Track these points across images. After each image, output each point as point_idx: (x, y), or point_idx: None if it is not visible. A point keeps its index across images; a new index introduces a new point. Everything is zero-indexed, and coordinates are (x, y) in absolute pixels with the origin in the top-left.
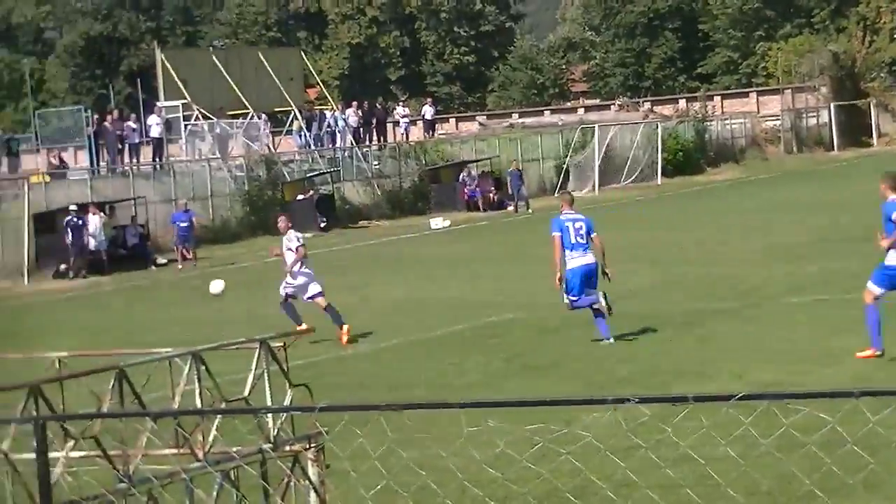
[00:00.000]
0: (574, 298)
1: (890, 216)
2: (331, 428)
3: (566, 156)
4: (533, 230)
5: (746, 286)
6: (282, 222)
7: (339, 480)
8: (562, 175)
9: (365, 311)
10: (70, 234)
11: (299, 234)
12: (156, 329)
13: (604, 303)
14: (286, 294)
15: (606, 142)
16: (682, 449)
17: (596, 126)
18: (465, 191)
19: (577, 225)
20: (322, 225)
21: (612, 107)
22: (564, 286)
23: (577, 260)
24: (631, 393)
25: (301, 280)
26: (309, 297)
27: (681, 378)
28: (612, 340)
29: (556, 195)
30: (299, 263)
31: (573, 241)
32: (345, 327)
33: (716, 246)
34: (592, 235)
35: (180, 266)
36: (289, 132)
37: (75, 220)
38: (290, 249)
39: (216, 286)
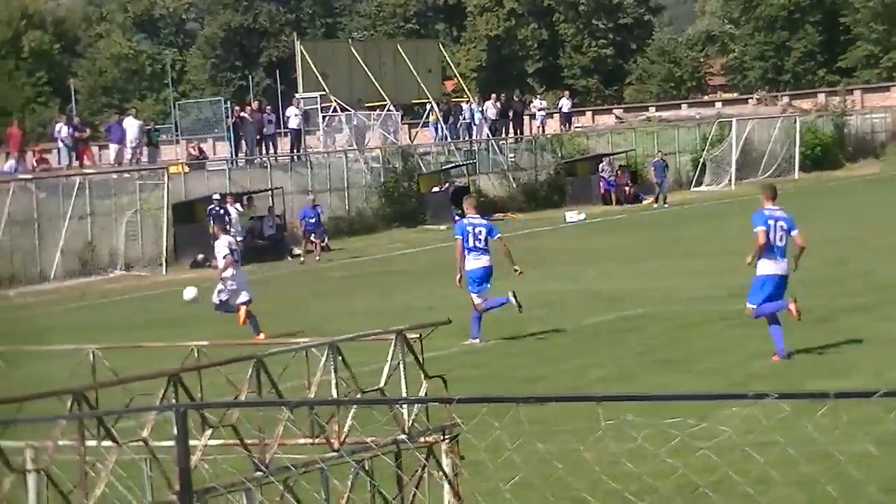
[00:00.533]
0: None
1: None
2: (466, 420)
3: (703, 150)
4: (669, 224)
5: (882, 282)
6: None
7: (474, 472)
8: (698, 169)
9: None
10: (212, 222)
11: (229, 241)
12: (292, 319)
13: (513, 301)
14: (219, 300)
15: (744, 136)
16: (820, 445)
17: (734, 120)
18: (602, 184)
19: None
20: (457, 217)
21: (750, 100)
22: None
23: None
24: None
25: (232, 286)
26: (239, 303)
27: (816, 374)
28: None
29: (695, 187)
30: (229, 271)
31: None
32: (261, 335)
33: (851, 241)
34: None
35: (302, 259)
36: (425, 124)
37: (218, 209)
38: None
39: (189, 293)
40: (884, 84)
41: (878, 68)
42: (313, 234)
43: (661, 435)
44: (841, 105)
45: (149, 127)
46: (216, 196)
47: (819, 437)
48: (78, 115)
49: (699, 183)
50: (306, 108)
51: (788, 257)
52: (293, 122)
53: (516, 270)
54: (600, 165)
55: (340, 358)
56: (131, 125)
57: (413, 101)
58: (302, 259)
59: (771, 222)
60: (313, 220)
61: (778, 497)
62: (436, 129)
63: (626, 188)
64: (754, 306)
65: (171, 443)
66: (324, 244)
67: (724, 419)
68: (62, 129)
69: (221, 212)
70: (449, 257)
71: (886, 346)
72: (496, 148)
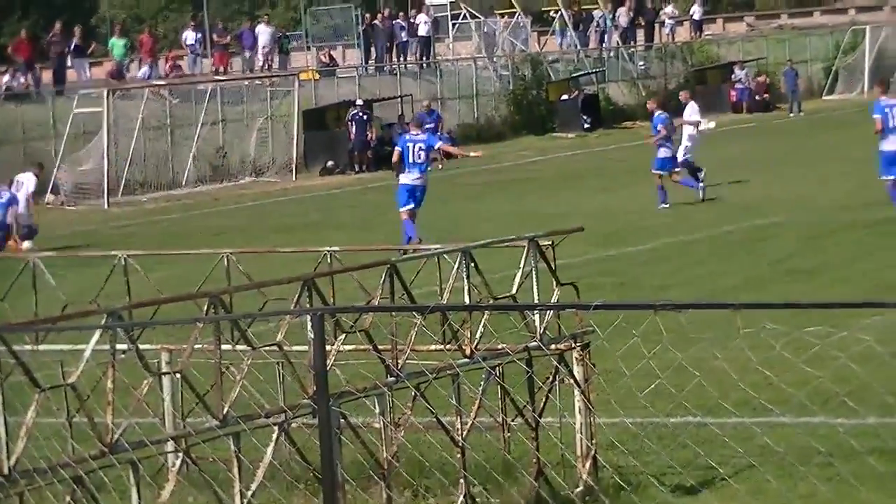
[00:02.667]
0: None
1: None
2: (599, 327)
3: (835, 58)
4: (803, 133)
5: None
6: None
7: (605, 380)
8: (830, 77)
9: (630, 211)
10: (354, 127)
11: None
12: (423, 225)
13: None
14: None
15: (878, 44)
16: None
17: (867, 28)
18: (734, 92)
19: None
20: (586, 125)
21: (885, 8)
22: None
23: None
24: None
25: None
26: None
27: None
28: None
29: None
30: None
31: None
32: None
33: None
34: None
35: (440, 166)
36: (554, 32)
37: (360, 114)
38: None
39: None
40: None
41: None
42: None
43: (795, 344)
44: None
45: (280, 34)
46: (359, 102)
47: None
48: (214, 22)
49: (832, 91)
50: (436, 14)
51: None
52: (423, 30)
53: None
54: (734, 73)
55: (473, 264)
56: (263, 32)
57: (543, 9)
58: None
59: (887, 110)
60: (430, 126)
61: None
62: (562, 35)
63: (759, 96)
64: (891, 178)
65: (305, 347)
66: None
67: (861, 329)
68: (189, 37)
69: (364, 117)
70: (576, 165)
71: None
72: (626, 56)
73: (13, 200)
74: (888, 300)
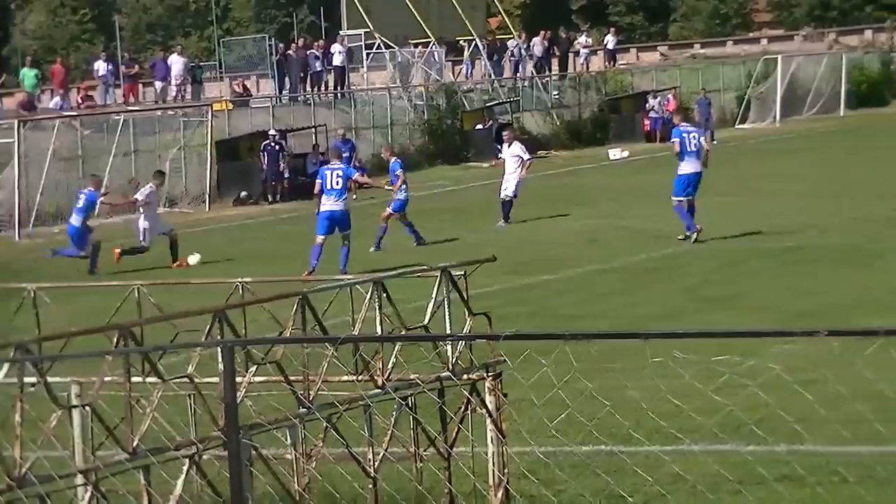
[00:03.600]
0: None
1: None
2: (510, 357)
3: (748, 87)
4: (716, 161)
5: None
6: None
7: (517, 409)
8: (742, 106)
9: (539, 241)
10: (266, 158)
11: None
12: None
13: None
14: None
15: (789, 73)
16: (868, 383)
17: (779, 57)
18: (647, 121)
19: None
20: (500, 155)
21: (796, 37)
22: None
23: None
24: (814, 326)
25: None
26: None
27: (864, 313)
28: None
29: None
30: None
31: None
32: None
33: None
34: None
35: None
36: (464, 61)
37: (273, 144)
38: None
39: (193, 259)
40: None
41: None
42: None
43: (706, 373)
44: (888, 41)
45: (193, 64)
46: (272, 132)
47: (868, 374)
48: (126, 52)
49: (744, 120)
50: (350, 45)
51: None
52: (337, 60)
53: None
54: (648, 102)
55: (385, 294)
56: (176, 62)
57: (457, 38)
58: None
59: (685, 135)
60: (345, 156)
61: (825, 435)
62: (471, 65)
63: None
64: (679, 199)
65: (216, 379)
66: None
67: (771, 357)
68: (100, 67)
69: (277, 148)
70: (489, 195)
71: None
72: (540, 85)
73: None
74: (795, 328)
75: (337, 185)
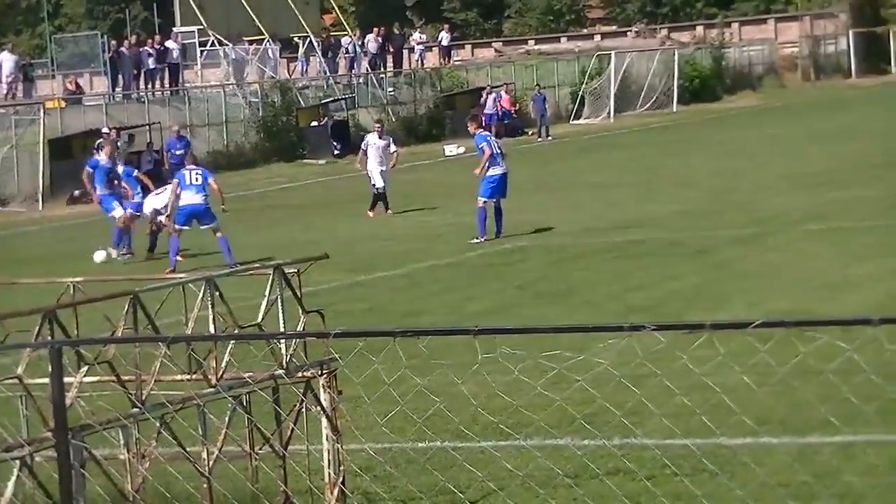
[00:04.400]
0: None
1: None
2: (344, 354)
3: (582, 83)
4: (549, 157)
5: (764, 213)
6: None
7: (352, 407)
8: (577, 102)
9: (376, 238)
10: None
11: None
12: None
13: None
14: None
15: (623, 69)
16: (696, 377)
17: (612, 53)
18: (482, 117)
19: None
20: (336, 151)
21: (629, 33)
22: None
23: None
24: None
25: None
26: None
27: (695, 306)
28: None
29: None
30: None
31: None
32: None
33: (732, 173)
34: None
35: None
36: (297, 58)
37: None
38: None
39: (99, 256)
40: (761, 16)
41: (756, 0)
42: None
43: (539, 367)
44: (719, 37)
45: (24, 62)
46: (105, 130)
47: (695, 368)
48: None
49: (578, 116)
50: (184, 41)
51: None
52: (172, 56)
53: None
54: (492, 95)
55: (218, 293)
56: (6, 60)
57: (291, 35)
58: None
59: (490, 139)
60: (180, 153)
61: (654, 428)
62: (306, 62)
63: (507, 120)
64: (485, 200)
65: (47, 380)
66: None
67: (601, 351)
68: None
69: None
70: (326, 192)
71: (764, 278)
72: (375, 82)
73: None
74: (623, 323)
75: (197, 180)
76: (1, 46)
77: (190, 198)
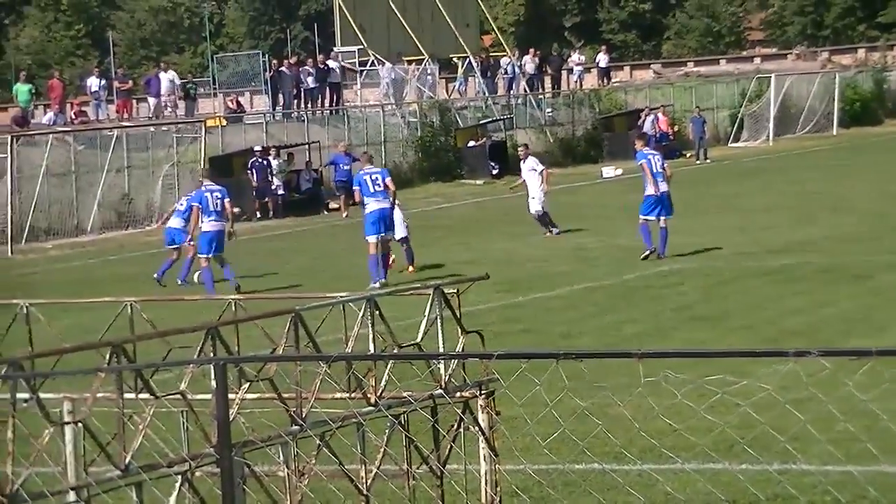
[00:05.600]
0: None
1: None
2: (503, 375)
3: (741, 105)
4: (707, 180)
5: None
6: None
7: (510, 428)
8: (736, 125)
9: (537, 258)
10: (255, 174)
11: None
12: (330, 273)
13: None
14: None
15: (783, 91)
16: (859, 403)
17: (773, 76)
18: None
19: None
20: (494, 172)
21: (789, 56)
22: None
23: None
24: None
25: None
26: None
27: (852, 332)
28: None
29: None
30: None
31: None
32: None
33: (892, 198)
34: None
35: (345, 214)
36: (457, 78)
37: (260, 160)
38: None
39: None
40: None
41: None
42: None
43: (698, 391)
44: (881, 60)
45: (184, 80)
46: (257, 148)
47: (859, 394)
48: (120, 67)
49: (737, 139)
50: (344, 62)
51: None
52: (333, 76)
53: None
54: (641, 119)
55: (378, 312)
56: (164, 78)
57: (450, 56)
58: (344, 213)
59: (650, 157)
60: (346, 168)
61: (816, 454)
62: (465, 82)
63: (665, 142)
64: (645, 217)
65: (209, 395)
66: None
67: (763, 376)
68: (93, 83)
69: (265, 163)
70: (485, 212)
71: None
72: (533, 103)
73: None
74: (788, 349)
75: (216, 206)
76: (160, 65)
77: (211, 224)
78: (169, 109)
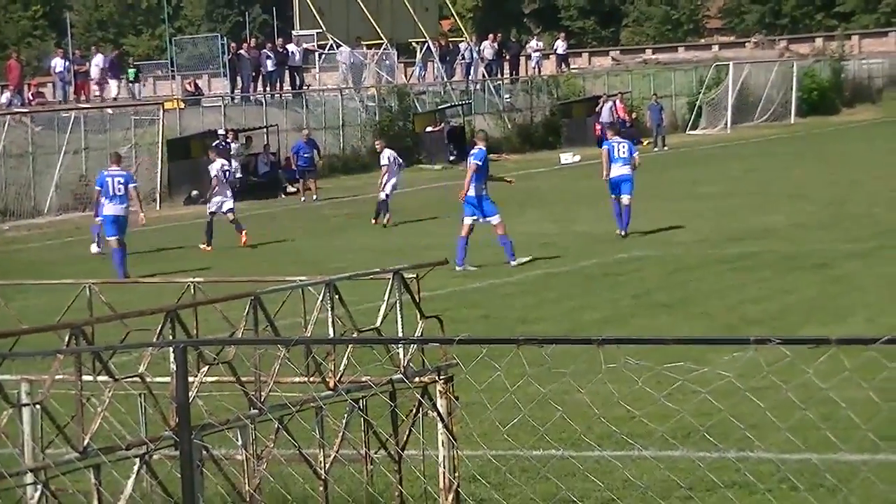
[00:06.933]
0: None
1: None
2: (462, 360)
3: (699, 93)
4: (666, 167)
5: (883, 227)
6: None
7: (469, 413)
8: (694, 112)
9: (491, 245)
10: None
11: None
12: (287, 257)
13: None
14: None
15: (741, 80)
16: (818, 391)
17: (730, 63)
18: (598, 126)
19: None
20: (452, 157)
21: (747, 44)
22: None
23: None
24: (762, 333)
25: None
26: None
27: (812, 320)
28: None
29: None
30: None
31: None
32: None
33: (849, 186)
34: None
35: (302, 198)
36: (422, 63)
37: (224, 144)
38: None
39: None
40: (881, 29)
41: (876, 13)
42: (306, 173)
43: (657, 378)
44: (838, 50)
45: (115, 61)
46: (221, 131)
47: (819, 382)
48: (77, 49)
49: (695, 126)
50: (303, 45)
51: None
52: (291, 60)
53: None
54: (599, 105)
55: (337, 296)
56: (97, 60)
57: (409, 40)
58: (302, 197)
59: (615, 144)
60: (307, 156)
61: (774, 442)
62: (423, 67)
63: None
64: (615, 196)
65: (167, 379)
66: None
67: (723, 364)
68: (57, 64)
69: (227, 147)
70: (441, 197)
71: (883, 290)
72: (492, 89)
73: None
74: (748, 336)
75: (117, 191)
76: (122, 45)
77: (113, 208)
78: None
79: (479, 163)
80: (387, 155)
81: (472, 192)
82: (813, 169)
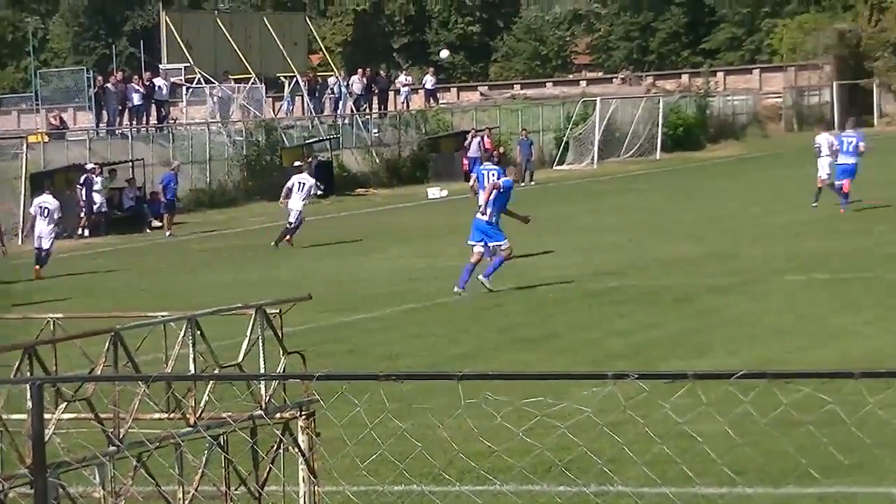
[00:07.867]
0: None
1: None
2: (324, 396)
3: (567, 128)
4: (533, 202)
5: (743, 263)
6: None
7: (330, 449)
8: (561, 147)
9: (356, 279)
10: (84, 192)
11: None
12: (151, 292)
13: None
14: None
15: (608, 115)
16: (676, 425)
17: (598, 99)
18: (465, 161)
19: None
20: (319, 192)
21: (614, 80)
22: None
23: None
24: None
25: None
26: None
27: (675, 354)
28: None
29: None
30: None
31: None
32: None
33: (712, 222)
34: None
35: (168, 232)
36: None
37: (91, 178)
38: None
39: None
40: (746, 66)
41: (741, 50)
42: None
43: (518, 413)
44: (704, 86)
45: None
46: (90, 166)
47: (676, 416)
48: None
49: (562, 161)
50: (171, 79)
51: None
52: (158, 94)
53: None
54: (468, 140)
55: (199, 332)
56: None
57: (278, 74)
58: (167, 232)
59: (484, 172)
60: (175, 187)
61: (632, 476)
62: (291, 102)
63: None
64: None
65: (24, 416)
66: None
67: (583, 399)
68: None
69: (92, 182)
70: (310, 232)
71: (742, 326)
72: (360, 123)
73: None
74: (606, 371)
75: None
76: None
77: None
78: None
79: (503, 188)
80: (296, 179)
81: (485, 218)
82: (677, 204)
